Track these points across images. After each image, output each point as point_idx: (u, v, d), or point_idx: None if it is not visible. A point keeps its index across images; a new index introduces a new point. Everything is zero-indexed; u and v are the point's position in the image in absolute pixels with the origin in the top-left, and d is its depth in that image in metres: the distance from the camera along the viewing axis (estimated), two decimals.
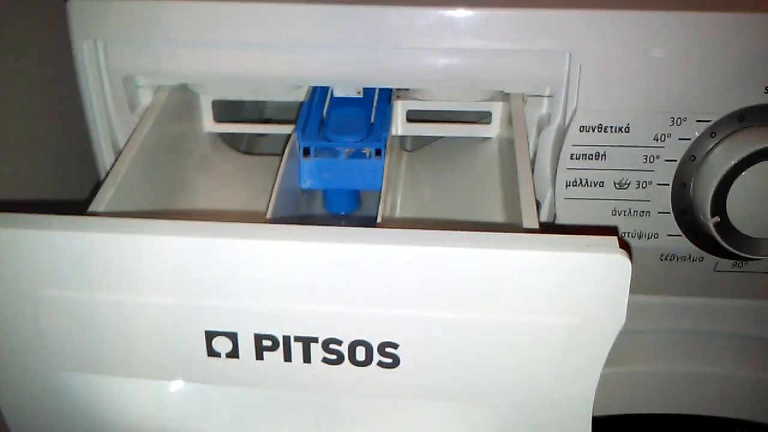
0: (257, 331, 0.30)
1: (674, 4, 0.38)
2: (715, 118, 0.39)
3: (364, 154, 0.44)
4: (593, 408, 0.31)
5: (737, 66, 0.38)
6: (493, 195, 0.43)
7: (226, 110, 0.49)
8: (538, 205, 0.43)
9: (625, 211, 0.41)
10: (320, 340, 0.30)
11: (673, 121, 0.39)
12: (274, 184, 0.40)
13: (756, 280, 0.43)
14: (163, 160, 0.42)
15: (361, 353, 0.30)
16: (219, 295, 0.29)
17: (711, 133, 0.39)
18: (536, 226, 0.33)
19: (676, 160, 0.40)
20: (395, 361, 0.30)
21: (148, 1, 0.40)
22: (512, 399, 0.31)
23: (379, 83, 0.43)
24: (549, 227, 0.42)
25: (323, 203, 0.48)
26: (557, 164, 0.41)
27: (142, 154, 0.39)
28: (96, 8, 0.40)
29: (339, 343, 0.30)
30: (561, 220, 0.42)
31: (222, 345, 0.30)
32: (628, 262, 0.27)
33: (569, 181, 0.41)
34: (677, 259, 0.43)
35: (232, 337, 0.30)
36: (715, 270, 0.43)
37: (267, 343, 0.30)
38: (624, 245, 0.27)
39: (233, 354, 0.31)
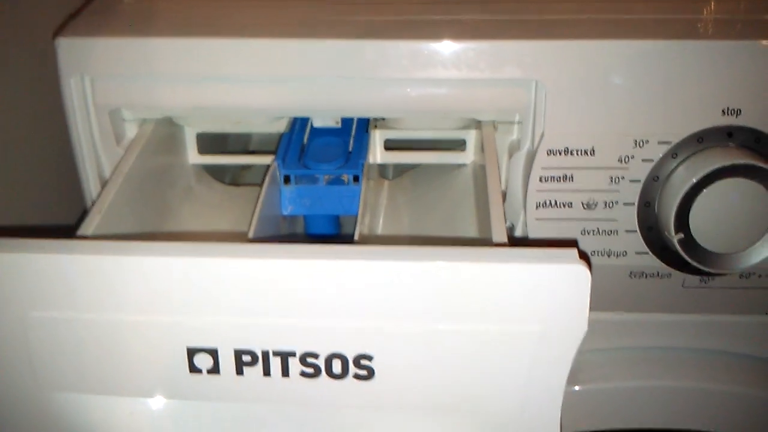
0: (237, 347, 0.31)
1: (633, 33, 0.40)
2: (675, 140, 0.41)
3: (343, 180, 0.46)
4: (566, 425, 0.32)
5: (696, 90, 0.40)
6: (467, 216, 0.44)
7: (211, 143, 0.51)
8: (512, 227, 0.45)
9: (593, 231, 0.43)
10: (298, 354, 0.31)
11: (636, 143, 0.41)
12: (254, 210, 0.41)
13: (723, 295, 0.44)
14: (148, 190, 0.44)
15: (337, 366, 0.31)
16: (200, 313, 0.31)
17: (672, 154, 0.41)
18: (504, 239, 0.35)
19: (640, 181, 0.42)
20: (370, 373, 0.31)
21: (132, 38, 0.42)
22: (483, 407, 0.32)
23: (355, 113, 0.45)
24: (517, 242, 0.44)
25: (304, 228, 0.49)
26: (527, 187, 0.42)
27: (127, 183, 0.40)
28: (83, 45, 0.42)
29: (316, 356, 0.31)
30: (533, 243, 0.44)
31: (203, 361, 0.31)
32: (587, 271, 0.28)
33: (539, 202, 0.43)
34: (646, 276, 0.44)
35: (213, 353, 0.31)
36: (683, 286, 0.44)
37: (247, 358, 0.31)
38: (583, 256, 0.29)
39: (214, 370, 0.32)
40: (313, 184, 0.46)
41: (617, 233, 0.43)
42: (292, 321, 0.30)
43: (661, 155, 0.41)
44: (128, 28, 0.43)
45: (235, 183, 0.55)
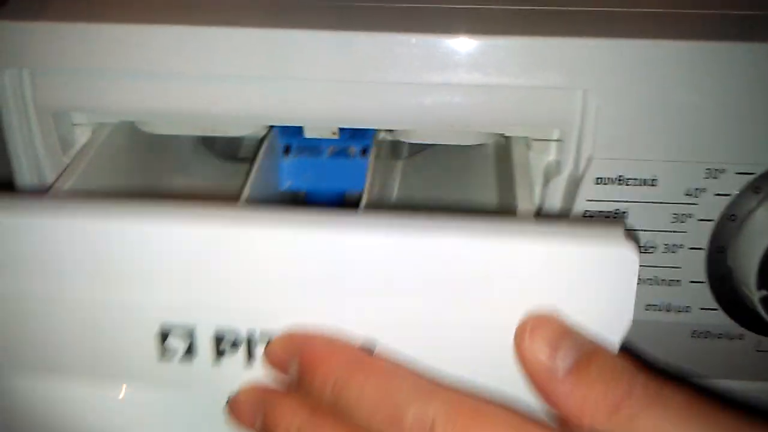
0: (218, 325, 0.28)
1: (710, 33, 0.32)
2: (759, 170, 0.33)
3: (350, 153, 0.42)
4: None
5: None
6: (488, 193, 0.40)
7: None
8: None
9: (650, 279, 0.35)
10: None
11: (708, 173, 0.33)
12: (245, 182, 0.36)
13: None
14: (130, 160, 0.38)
15: None
16: (176, 287, 0.27)
17: (755, 188, 0.33)
18: (532, 207, 0.32)
19: (712, 220, 0.34)
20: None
21: (83, 23, 0.34)
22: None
23: (352, 123, 0.37)
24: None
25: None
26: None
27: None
28: (20, 32, 0.34)
29: None
30: None
31: (176, 344, 0.28)
32: (635, 256, 0.25)
33: None
34: (712, 337, 0.36)
35: (189, 333, 0.28)
36: (757, 350, 0.36)
37: (229, 338, 0.28)
38: (630, 236, 0.25)
39: (188, 354, 0.28)
40: (316, 157, 0.42)
41: (680, 283, 0.35)
42: (283, 299, 0.27)
43: (739, 189, 0.33)
44: (79, 11, 0.35)
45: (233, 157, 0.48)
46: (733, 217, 0.33)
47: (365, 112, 0.34)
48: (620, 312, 0.25)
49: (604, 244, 0.24)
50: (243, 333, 0.27)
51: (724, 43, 0.31)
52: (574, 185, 0.34)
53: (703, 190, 0.33)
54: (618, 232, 0.25)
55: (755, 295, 0.32)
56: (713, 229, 0.34)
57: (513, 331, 0.25)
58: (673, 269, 0.35)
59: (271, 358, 0.28)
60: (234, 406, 0.29)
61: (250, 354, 0.28)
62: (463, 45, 0.32)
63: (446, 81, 0.33)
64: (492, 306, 0.25)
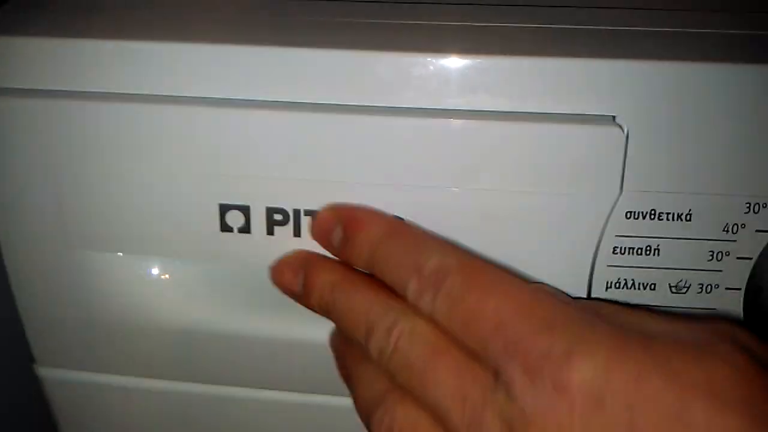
0: (269, 205, 0.31)
1: (747, 54, 0.29)
2: None
3: None
4: None
5: None
6: None
7: None
8: None
9: None
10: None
11: (749, 207, 0.30)
12: None
13: None
14: None
15: None
16: (233, 168, 0.31)
17: None
18: None
19: (751, 258, 0.31)
20: None
21: None
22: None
23: None
24: None
25: None
26: (595, 259, 0.31)
27: None
28: None
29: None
30: None
31: (235, 219, 0.32)
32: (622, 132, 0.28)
33: (611, 281, 0.32)
34: None
35: (245, 210, 0.32)
36: None
37: (278, 217, 0.32)
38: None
39: (245, 229, 0.32)
40: None
41: None
42: (324, 179, 0.31)
43: None
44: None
45: None
46: None
47: None
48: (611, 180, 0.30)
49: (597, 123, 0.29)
50: (290, 211, 0.31)
51: (765, 66, 0.29)
52: (602, 219, 0.31)
53: (743, 225, 0.30)
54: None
55: None
56: (753, 267, 0.31)
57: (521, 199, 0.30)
58: (708, 311, 0.32)
59: (318, 225, 0.31)
60: (277, 269, 0.32)
61: (297, 229, 0.32)
62: (475, 68, 0.29)
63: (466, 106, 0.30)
64: (499, 179, 0.30)
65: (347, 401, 0.30)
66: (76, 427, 0.40)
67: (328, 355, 0.33)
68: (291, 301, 0.32)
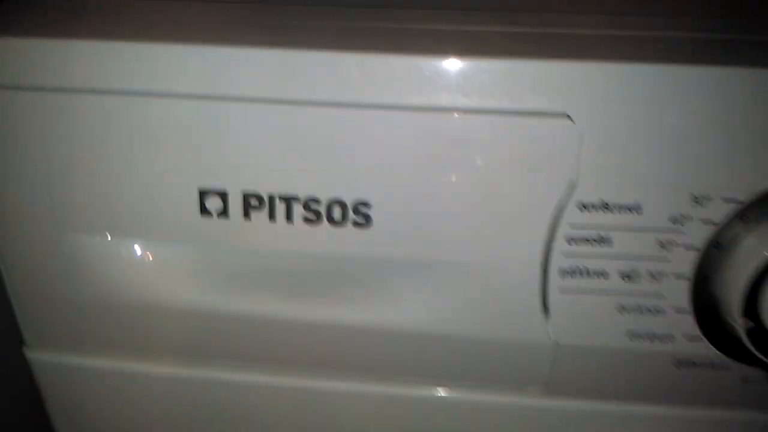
0: (245, 190, 0.33)
1: (696, 56, 0.31)
2: (746, 198, 0.32)
3: None
4: None
5: None
6: None
7: None
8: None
9: (633, 308, 0.34)
10: (301, 199, 0.33)
11: (694, 199, 0.32)
12: None
13: None
14: None
15: (337, 213, 0.33)
16: (211, 155, 0.33)
17: (741, 215, 0.32)
18: None
19: (697, 248, 0.33)
20: (368, 221, 0.33)
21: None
22: (473, 258, 0.34)
23: None
24: None
25: None
26: (550, 248, 0.33)
27: None
28: None
29: (318, 201, 0.33)
30: (555, 316, 0.34)
31: (213, 204, 0.34)
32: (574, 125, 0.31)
33: (565, 269, 0.33)
34: (696, 367, 0.35)
35: (223, 196, 0.34)
36: (743, 381, 0.35)
37: (254, 202, 0.34)
38: None
39: (224, 213, 0.34)
40: None
41: (664, 312, 0.34)
42: (297, 165, 0.33)
43: (726, 217, 0.32)
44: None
45: None
46: (718, 246, 0.32)
47: None
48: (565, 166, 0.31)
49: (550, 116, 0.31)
50: (265, 196, 0.33)
51: (711, 67, 0.31)
52: (557, 211, 0.33)
53: (689, 217, 0.32)
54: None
55: (740, 324, 0.31)
56: (699, 257, 0.33)
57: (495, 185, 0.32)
58: (656, 298, 0.33)
59: None
60: None
61: (272, 214, 0.34)
62: (443, 66, 0.31)
63: (423, 104, 0.32)
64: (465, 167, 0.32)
65: (324, 384, 0.32)
66: (65, 410, 0.42)
67: (309, 335, 0.35)
68: (270, 282, 0.34)
